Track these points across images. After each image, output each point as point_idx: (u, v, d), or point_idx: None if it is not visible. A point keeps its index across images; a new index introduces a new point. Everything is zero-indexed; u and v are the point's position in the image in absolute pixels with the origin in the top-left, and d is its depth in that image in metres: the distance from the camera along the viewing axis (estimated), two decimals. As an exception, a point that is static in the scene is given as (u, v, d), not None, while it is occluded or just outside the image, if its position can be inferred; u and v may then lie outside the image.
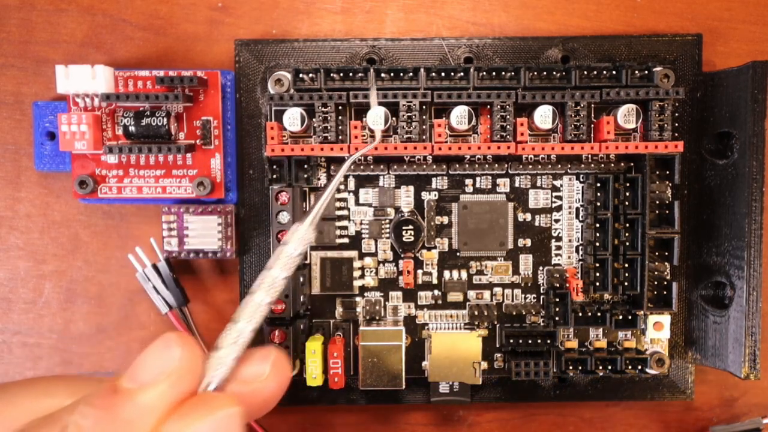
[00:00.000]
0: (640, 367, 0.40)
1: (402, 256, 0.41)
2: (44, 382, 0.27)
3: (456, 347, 0.40)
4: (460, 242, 0.41)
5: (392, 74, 0.38)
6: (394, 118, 0.38)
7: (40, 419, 0.23)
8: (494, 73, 0.38)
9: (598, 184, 0.39)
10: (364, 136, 0.39)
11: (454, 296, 0.41)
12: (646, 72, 0.38)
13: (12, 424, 0.25)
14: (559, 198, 0.41)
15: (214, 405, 0.23)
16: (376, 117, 0.38)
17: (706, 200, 0.40)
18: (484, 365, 0.40)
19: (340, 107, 0.38)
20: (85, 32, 0.41)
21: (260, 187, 0.40)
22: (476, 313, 0.40)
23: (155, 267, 0.40)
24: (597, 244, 0.39)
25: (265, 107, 0.40)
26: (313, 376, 0.38)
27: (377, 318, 0.41)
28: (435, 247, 0.41)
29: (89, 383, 0.27)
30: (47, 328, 0.42)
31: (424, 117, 0.38)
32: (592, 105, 0.39)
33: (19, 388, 0.26)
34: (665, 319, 0.40)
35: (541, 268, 0.41)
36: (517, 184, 0.41)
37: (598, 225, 0.39)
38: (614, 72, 0.38)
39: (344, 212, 0.41)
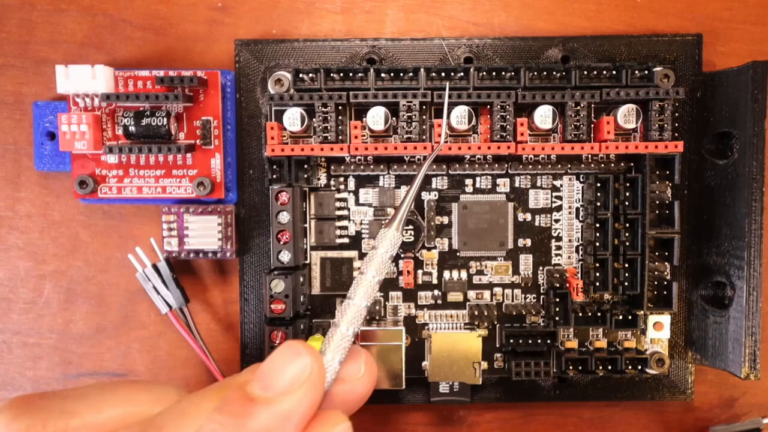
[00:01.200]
0: (640, 367, 0.40)
1: (402, 256, 0.41)
2: (125, 388, 0.27)
3: (456, 347, 0.40)
4: (460, 242, 0.41)
5: (392, 74, 0.38)
6: (394, 118, 0.38)
7: (152, 424, 0.23)
8: (494, 73, 0.38)
9: (598, 184, 0.39)
10: (364, 136, 0.39)
11: (454, 296, 0.41)
12: (646, 72, 0.38)
13: (99, 430, 0.24)
14: (559, 198, 0.41)
15: (335, 421, 0.24)
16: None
17: (706, 200, 0.40)
18: (484, 365, 0.40)
19: (340, 107, 0.38)
20: (85, 32, 0.41)
21: (260, 187, 0.40)
22: (476, 313, 0.40)
23: (155, 267, 0.39)
24: (597, 244, 0.39)
25: (265, 107, 0.40)
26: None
27: (377, 318, 0.41)
28: (435, 247, 0.41)
29: (169, 390, 0.27)
30: (47, 328, 0.42)
31: (424, 117, 0.38)
32: (592, 105, 0.39)
33: (102, 393, 0.26)
34: (665, 319, 0.40)
35: (541, 268, 0.41)
36: (517, 184, 0.41)
37: (598, 225, 0.39)
38: (614, 72, 0.38)
39: (344, 212, 0.41)
